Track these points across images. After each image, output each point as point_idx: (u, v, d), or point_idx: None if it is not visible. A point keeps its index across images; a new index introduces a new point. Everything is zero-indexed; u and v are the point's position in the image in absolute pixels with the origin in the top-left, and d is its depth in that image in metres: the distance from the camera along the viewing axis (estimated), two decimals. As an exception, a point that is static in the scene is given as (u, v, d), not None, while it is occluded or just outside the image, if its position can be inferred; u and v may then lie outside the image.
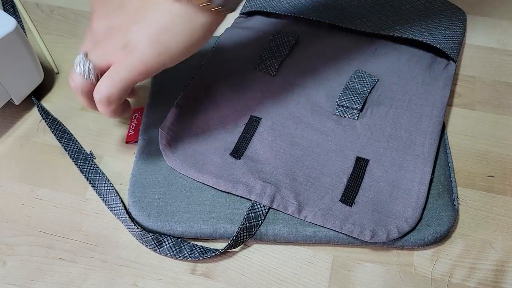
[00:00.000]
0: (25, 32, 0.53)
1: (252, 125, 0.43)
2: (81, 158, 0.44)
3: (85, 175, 0.43)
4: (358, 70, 0.47)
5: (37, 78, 0.47)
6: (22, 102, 0.47)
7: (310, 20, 0.51)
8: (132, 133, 0.45)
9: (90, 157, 0.44)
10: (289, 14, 0.50)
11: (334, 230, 0.39)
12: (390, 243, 0.39)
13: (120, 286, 0.39)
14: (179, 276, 0.39)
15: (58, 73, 0.51)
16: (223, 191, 0.41)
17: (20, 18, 0.54)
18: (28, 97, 0.48)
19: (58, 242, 0.41)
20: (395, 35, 0.48)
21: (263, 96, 0.45)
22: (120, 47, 0.33)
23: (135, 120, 0.46)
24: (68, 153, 0.44)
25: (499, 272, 0.39)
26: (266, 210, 0.40)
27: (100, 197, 0.42)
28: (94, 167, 0.43)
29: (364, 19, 0.50)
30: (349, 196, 0.40)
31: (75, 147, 0.45)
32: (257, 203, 0.40)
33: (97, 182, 0.43)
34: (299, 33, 0.50)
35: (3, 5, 0.55)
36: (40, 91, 0.49)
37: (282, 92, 0.46)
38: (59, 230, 0.41)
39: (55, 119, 0.47)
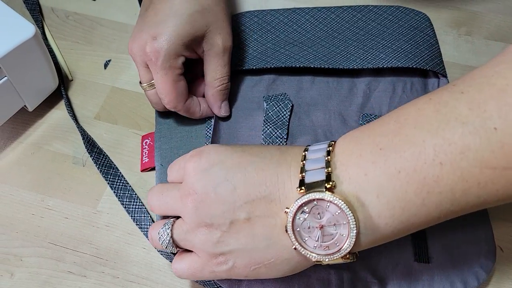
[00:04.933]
0: (44, 37, 0.52)
1: None
2: (127, 196, 0.42)
3: (131, 215, 0.41)
4: (364, 114, 0.45)
5: (52, 85, 0.46)
6: (35, 109, 0.46)
7: (282, 69, 0.47)
8: (146, 160, 0.44)
9: (135, 195, 0.42)
10: (268, 67, 0.46)
11: None
12: None
13: (131, 303, 0.38)
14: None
15: (72, 80, 0.50)
16: None
17: (41, 23, 0.53)
18: (41, 104, 0.47)
19: (68, 254, 0.40)
20: (380, 66, 0.45)
21: None
22: (212, 252, 0.31)
23: (146, 146, 0.45)
24: (114, 191, 0.42)
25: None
26: None
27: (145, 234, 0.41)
28: (139, 205, 0.42)
29: (345, 57, 0.47)
30: (422, 253, 0.38)
31: (121, 184, 0.43)
32: None
33: (143, 223, 0.41)
34: (283, 89, 0.46)
35: (28, 7, 0.54)
36: (54, 98, 0.48)
37: None
38: (69, 242, 0.40)
39: (101, 152, 0.45)
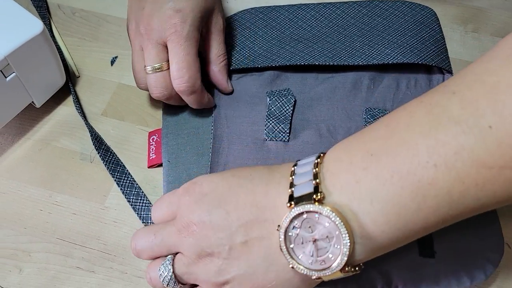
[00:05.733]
0: (51, 34, 0.52)
1: None
2: (134, 193, 0.42)
3: (137, 213, 0.41)
4: (368, 109, 0.45)
5: (59, 81, 0.46)
6: (42, 105, 0.46)
7: (286, 66, 0.47)
8: (153, 157, 0.44)
9: (142, 193, 0.42)
10: (273, 65, 0.46)
11: None
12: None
13: (139, 298, 0.38)
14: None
15: (79, 76, 0.50)
16: None
17: (48, 20, 0.53)
18: (48, 100, 0.47)
19: (76, 250, 0.40)
20: (385, 62, 0.45)
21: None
22: (215, 282, 0.31)
23: (153, 143, 0.45)
24: (121, 189, 0.42)
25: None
26: None
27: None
28: (146, 203, 0.42)
29: (350, 53, 0.47)
30: (427, 247, 0.38)
31: (128, 182, 0.43)
32: None
33: (149, 221, 0.41)
34: (286, 85, 0.47)
35: (35, 4, 0.54)
36: (61, 95, 0.48)
37: (305, 155, 0.42)
38: (78, 238, 0.41)
39: (108, 149, 0.45)
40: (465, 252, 0.38)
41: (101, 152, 0.44)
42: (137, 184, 0.43)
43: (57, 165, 0.44)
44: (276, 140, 0.43)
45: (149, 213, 0.41)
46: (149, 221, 0.41)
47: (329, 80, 0.47)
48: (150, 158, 0.44)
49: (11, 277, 0.39)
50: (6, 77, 0.40)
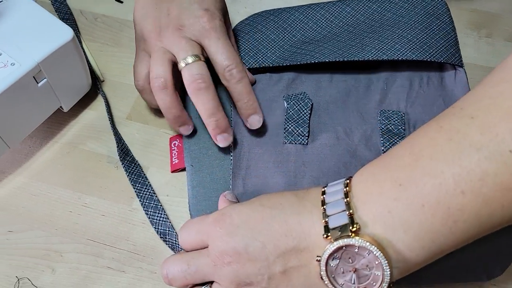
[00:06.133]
0: (80, 40, 0.53)
1: None
2: (152, 206, 0.43)
3: (155, 227, 0.42)
4: (382, 111, 0.46)
5: (86, 86, 0.48)
6: (69, 110, 0.47)
7: (300, 67, 0.48)
8: (176, 161, 0.45)
9: (161, 206, 0.43)
10: (284, 64, 0.47)
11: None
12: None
13: (169, 297, 0.39)
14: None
15: (104, 81, 0.51)
16: None
17: (76, 27, 0.55)
18: (75, 105, 0.48)
19: (106, 251, 0.41)
20: (395, 58, 0.46)
21: (307, 168, 0.43)
22: None
23: (175, 147, 0.46)
24: (140, 200, 0.43)
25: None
26: None
27: (170, 247, 0.42)
28: (164, 218, 0.42)
29: (360, 48, 0.47)
30: None
31: (148, 194, 0.44)
32: None
33: (167, 236, 0.42)
34: (302, 89, 0.48)
35: (59, 14, 0.56)
36: (86, 99, 0.49)
37: (324, 157, 0.44)
38: (107, 239, 0.42)
39: (133, 161, 0.46)
40: (482, 246, 0.39)
41: (125, 163, 0.45)
42: (156, 197, 0.44)
43: (84, 168, 0.46)
44: (295, 143, 0.44)
45: (167, 229, 0.42)
46: (167, 237, 0.42)
47: (343, 84, 0.48)
48: (173, 163, 0.45)
49: (44, 277, 0.40)
50: (38, 83, 0.41)
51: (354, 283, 0.30)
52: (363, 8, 0.51)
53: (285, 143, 0.44)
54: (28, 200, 0.44)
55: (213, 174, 0.43)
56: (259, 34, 0.50)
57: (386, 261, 0.29)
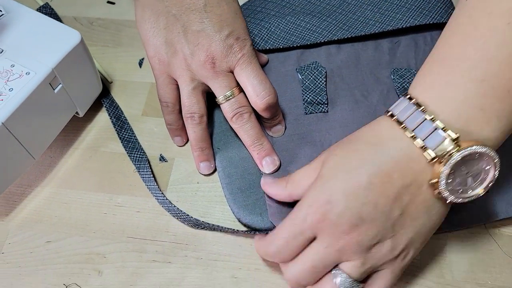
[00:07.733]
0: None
1: None
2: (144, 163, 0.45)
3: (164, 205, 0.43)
4: (395, 69, 0.47)
5: (98, 88, 0.48)
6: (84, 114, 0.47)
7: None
8: None
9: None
10: (294, 45, 0.48)
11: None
12: None
13: (219, 280, 0.40)
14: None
15: (112, 82, 0.51)
16: None
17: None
18: (88, 109, 0.48)
19: (148, 245, 0.41)
20: (399, 26, 0.48)
21: (331, 135, 0.44)
22: (394, 257, 0.34)
23: None
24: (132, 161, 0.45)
25: None
26: None
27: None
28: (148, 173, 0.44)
29: (364, 23, 0.49)
30: None
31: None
32: None
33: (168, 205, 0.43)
34: (312, 59, 0.48)
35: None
36: (98, 102, 0.49)
37: (346, 122, 0.44)
38: (147, 233, 0.42)
39: (125, 123, 0.48)
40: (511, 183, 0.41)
41: (117, 126, 0.47)
42: (145, 156, 0.46)
43: (110, 169, 0.45)
44: (316, 112, 0.45)
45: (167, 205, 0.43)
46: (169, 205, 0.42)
47: (351, 48, 0.49)
48: None
49: (92, 280, 0.40)
50: (54, 89, 0.41)
51: (471, 184, 0.32)
52: None
53: (306, 114, 0.45)
54: (60, 208, 0.43)
55: (241, 153, 0.44)
56: (260, 15, 0.51)
57: (497, 156, 0.31)
